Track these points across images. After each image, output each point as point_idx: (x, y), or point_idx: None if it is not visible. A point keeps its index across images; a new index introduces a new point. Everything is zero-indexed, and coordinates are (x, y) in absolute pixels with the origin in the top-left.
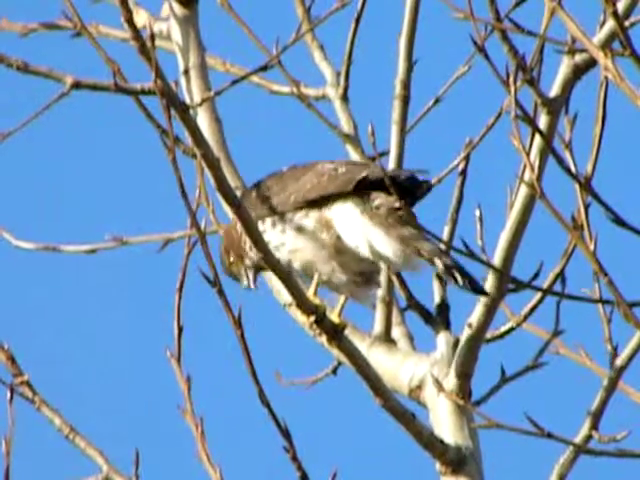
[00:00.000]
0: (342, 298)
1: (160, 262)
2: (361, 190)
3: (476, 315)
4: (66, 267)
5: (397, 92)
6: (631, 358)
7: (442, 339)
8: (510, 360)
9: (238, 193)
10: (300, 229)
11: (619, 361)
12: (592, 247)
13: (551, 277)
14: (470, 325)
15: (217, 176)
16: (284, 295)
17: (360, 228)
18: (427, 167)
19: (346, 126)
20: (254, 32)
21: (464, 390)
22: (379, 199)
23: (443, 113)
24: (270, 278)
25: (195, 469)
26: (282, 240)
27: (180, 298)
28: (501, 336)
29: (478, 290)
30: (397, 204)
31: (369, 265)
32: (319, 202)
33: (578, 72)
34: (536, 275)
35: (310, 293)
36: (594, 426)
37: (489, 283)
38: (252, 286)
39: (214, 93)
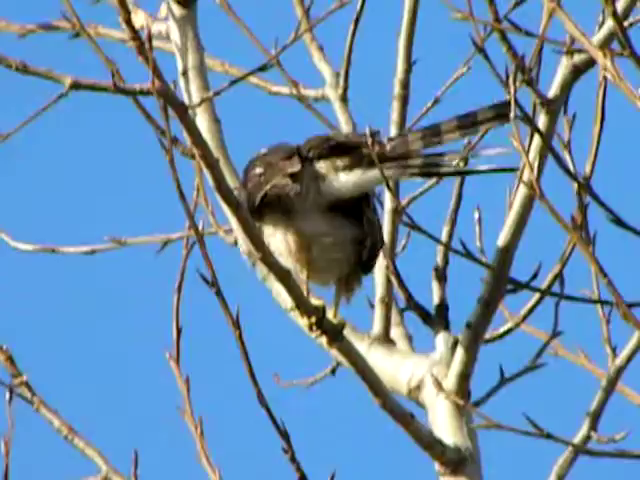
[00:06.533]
0: (337, 297)
1: (159, 263)
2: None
3: (475, 316)
4: (65, 268)
5: (396, 92)
6: (630, 359)
7: (441, 339)
8: (509, 361)
9: (237, 193)
10: (269, 231)
11: (618, 362)
12: (591, 247)
13: (550, 278)
14: (469, 325)
15: (216, 176)
16: (283, 297)
17: None
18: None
19: (346, 127)
20: (253, 32)
21: (463, 390)
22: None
23: (442, 113)
24: (268, 278)
25: (194, 470)
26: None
27: (179, 299)
28: (500, 337)
29: None
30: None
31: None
32: None
33: (577, 72)
34: (535, 276)
35: (304, 293)
36: (593, 427)
37: (487, 283)
38: None
39: (213, 93)
